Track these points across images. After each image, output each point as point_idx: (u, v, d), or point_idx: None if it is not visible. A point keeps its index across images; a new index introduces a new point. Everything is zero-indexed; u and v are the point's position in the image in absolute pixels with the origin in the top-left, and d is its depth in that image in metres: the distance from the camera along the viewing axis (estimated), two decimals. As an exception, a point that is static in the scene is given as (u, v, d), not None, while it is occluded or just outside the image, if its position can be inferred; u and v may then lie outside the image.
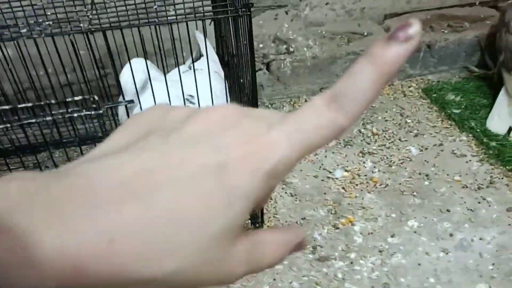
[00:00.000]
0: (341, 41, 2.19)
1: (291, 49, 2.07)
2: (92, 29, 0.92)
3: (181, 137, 0.24)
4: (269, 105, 2.14)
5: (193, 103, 1.22)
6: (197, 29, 1.40)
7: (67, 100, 1.00)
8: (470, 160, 1.78)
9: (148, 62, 1.20)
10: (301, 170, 1.79)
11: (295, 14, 2.25)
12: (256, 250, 0.25)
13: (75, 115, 1.02)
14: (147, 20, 0.98)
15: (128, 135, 0.25)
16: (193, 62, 1.38)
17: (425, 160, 1.79)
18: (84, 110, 1.02)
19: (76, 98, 1.00)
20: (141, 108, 1.05)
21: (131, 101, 1.05)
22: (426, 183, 1.70)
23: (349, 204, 1.63)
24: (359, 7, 2.31)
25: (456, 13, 2.37)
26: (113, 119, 1.18)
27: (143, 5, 1.28)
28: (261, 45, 2.10)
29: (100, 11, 1.04)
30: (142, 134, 0.24)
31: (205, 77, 1.14)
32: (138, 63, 1.13)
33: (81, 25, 0.94)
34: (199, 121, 0.24)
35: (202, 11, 1.04)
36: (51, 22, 0.94)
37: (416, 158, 1.81)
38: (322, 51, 2.09)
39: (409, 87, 2.21)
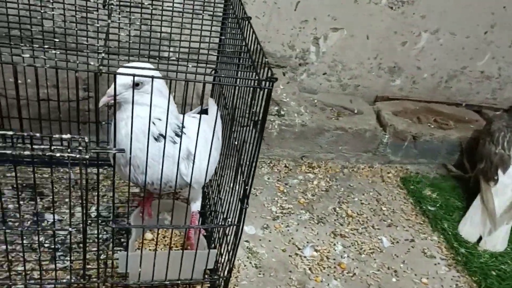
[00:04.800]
0: (331, 114, 2.17)
1: (282, 112, 2.02)
2: (102, 71, 0.83)
3: None
4: (248, 162, 2.07)
5: (181, 132, 1.15)
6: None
7: (52, 136, 0.90)
8: (439, 263, 1.75)
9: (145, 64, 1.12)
10: (269, 241, 1.70)
11: (291, 77, 2.23)
12: None
13: (57, 154, 0.90)
14: (165, 73, 0.90)
15: None
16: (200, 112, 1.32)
17: (395, 255, 1.75)
18: (68, 151, 0.91)
19: (64, 136, 0.90)
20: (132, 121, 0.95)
21: (122, 150, 0.95)
22: (394, 279, 1.65)
23: (313, 288, 1.56)
24: (354, 83, 2.33)
25: (443, 110, 2.42)
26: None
27: (156, 53, 1.20)
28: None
29: (112, 49, 0.95)
30: None
31: (204, 127, 1.08)
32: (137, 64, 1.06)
33: (91, 63, 0.85)
34: None
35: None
36: (58, 52, 0.84)
37: (387, 250, 1.77)
38: (311, 120, 2.06)
39: (388, 172, 2.21)
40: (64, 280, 1.21)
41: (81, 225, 1.02)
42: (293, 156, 2.12)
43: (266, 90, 0.95)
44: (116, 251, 1.46)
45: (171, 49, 1.46)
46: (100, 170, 1.63)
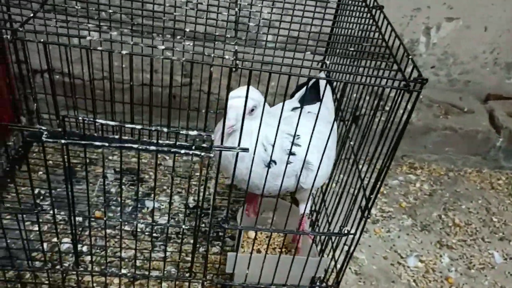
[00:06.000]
0: (438, 111, 2.00)
1: (387, 107, 1.88)
2: (238, 66, 0.76)
3: None
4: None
5: (297, 144, 1.06)
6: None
7: (179, 131, 0.85)
8: (561, 288, 1.56)
9: (255, 90, 1.04)
10: (369, 246, 1.59)
11: (396, 70, 2.07)
12: None
13: (182, 151, 0.85)
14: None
15: None
16: (302, 102, 1.22)
17: (509, 273, 1.58)
18: (193, 148, 0.85)
19: (190, 133, 0.84)
20: (240, 136, 0.88)
21: (246, 150, 0.88)
22: (509, 302, 1.49)
23: (419, 303, 1.44)
24: (464, 79, 2.12)
25: None
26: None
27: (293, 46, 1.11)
28: (354, 95, 1.92)
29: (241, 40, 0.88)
30: None
31: (318, 123, 0.98)
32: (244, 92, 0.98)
33: (227, 56, 0.78)
34: None
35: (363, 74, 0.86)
36: (190, 44, 0.78)
37: (499, 267, 1.60)
38: (417, 118, 1.91)
39: (498, 179, 2.00)
40: (172, 273, 1.19)
41: (194, 223, 0.98)
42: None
43: (413, 93, 0.83)
44: (214, 245, 1.43)
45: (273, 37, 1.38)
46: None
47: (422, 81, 0.81)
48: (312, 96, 1.32)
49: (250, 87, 0.86)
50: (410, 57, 0.89)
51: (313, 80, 1.33)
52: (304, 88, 1.34)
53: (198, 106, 1.74)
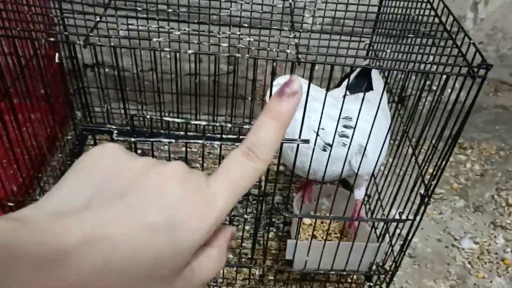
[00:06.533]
0: (487, 89, 1.95)
1: (434, 87, 1.85)
2: (301, 60, 0.77)
3: (137, 197, 0.28)
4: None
5: (349, 127, 1.07)
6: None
7: (243, 126, 0.86)
8: None
9: (302, 80, 1.04)
10: (422, 228, 1.59)
11: (443, 48, 2.02)
12: (201, 267, 0.31)
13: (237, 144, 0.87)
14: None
15: (80, 187, 0.29)
16: (347, 88, 1.22)
17: None
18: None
19: (245, 127, 0.86)
20: (301, 130, 0.90)
21: (307, 141, 0.89)
22: None
23: (475, 284, 1.43)
24: (515, 54, 2.05)
25: None
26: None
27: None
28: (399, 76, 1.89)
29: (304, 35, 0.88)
30: (96, 187, 0.28)
31: (369, 108, 0.98)
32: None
33: (288, 51, 0.79)
34: (154, 177, 0.30)
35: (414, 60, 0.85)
36: (247, 35, 0.79)
37: (557, 247, 1.57)
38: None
39: (553, 156, 1.95)
40: (233, 262, 1.23)
41: (255, 213, 1.00)
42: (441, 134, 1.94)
43: (476, 79, 0.82)
44: (269, 231, 1.46)
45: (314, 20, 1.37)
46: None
47: (487, 66, 0.80)
48: (359, 83, 1.32)
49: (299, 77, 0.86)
50: (471, 41, 0.87)
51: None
52: (351, 76, 1.33)
53: (245, 94, 1.76)
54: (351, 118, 1.08)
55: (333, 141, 1.01)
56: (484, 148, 1.95)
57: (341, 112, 0.93)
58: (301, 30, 0.90)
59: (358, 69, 1.34)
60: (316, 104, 1.00)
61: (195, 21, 1.09)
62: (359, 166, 1.06)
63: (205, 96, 1.73)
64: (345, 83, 1.38)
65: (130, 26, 0.81)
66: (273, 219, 1.48)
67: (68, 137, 1.67)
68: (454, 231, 1.59)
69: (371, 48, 1.41)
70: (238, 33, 0.82)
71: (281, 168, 1.61)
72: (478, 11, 1.94)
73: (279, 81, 1.00)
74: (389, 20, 1.30)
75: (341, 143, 1.06)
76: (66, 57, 1.65)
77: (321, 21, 1.29)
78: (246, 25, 1.06)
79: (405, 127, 1.14)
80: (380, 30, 1.43)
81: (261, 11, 1.02)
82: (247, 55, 0.76)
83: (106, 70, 1.77)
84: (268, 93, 0.91)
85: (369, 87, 1.26)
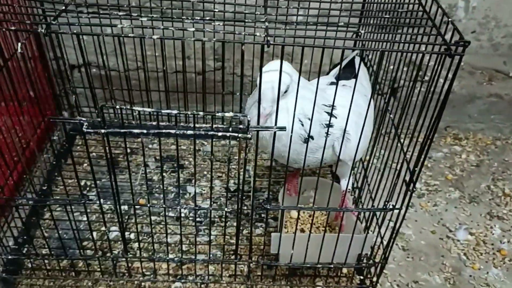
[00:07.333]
0: (481, 78, 1.91)
1: (426, 77, 1.82)
2: (270, 43, 0.75)
3: None
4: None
5: (334, 116, 1.04)
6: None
7: (215, 114, 0.84)
8: None
9: (287, 64, 1.01)
10: (416, 221, 1.56)
11: (435, 38, 1.98)
12: None
13: (220, 134, 0.85)
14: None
15: None
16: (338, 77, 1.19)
17: None
18: (230, 130, 0.85)
19: (226, 114, 0.84)
20: (276, 115, 0.87)
21: (283, 128, 0.87)
22: None
23: (470, 276, 1.39)
24: (509, 42, 2.01)
25: None
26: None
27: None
28: (391, 67, 1.86)
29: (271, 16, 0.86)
30: None
31: (350, 94, 0.95)
32: (277, 65, 0.95)
33: (258, 33, 0.77)
34: None
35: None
36: (220, 24, 0.77)
37: (556, 236, 1.53)
38: (460, 86, 1.83)
39: (551, 145, 1.91)
40: (218, 256, 1.20)
41: (236, 206, 0.98)
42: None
43: (456, 57, 0.80)
44: (258, 227, 1.43)
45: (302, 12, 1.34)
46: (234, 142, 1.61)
47: (464, 43, 0.77)
48: (347, 74, 1.29)
49: (283, 61, 0.83)
50: (449, 19, 0.85)
51: (348, 58, 1.30)
52: (339, 66, 1.31)
53: (233, 89, 1.73)
54: (335, 107, 1.05)
55: (310, 129, 0.98)
56: (480, 139, 1.92)
57: (316, 98, 0.90)
58: (286, 21, 0.87)
59: (347, 60, 1.31)
60: (302, 91, 0.98)
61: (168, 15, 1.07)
62: (340, 149, 1.04)
63: (192, 93, 1.72)
64: (333, 71, 1.36)
65: (93, 15, 0.79)
66: (262, 215, 1.46)
67: (55, 137, 1.65)
68: (449, 222, 1.55)
69: (355, 37, 1.39)
70: (207, 18, 0.80)
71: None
72: (470, 0, 1.91)
73: (267, 67, 0.97)
74: (375, 9, 1.27)
75: (323, 134, 1.04)
76: (51, 58, 1.64)
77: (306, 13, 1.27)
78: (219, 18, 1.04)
79: (390, 115, 1.11)
80: (365, 20, 1.40)
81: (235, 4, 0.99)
82: (214, 39, 0.74)
83: (93, 70, 1.76)
84: (258, 79, 0.89)
85: (352, 75, 1.24)
